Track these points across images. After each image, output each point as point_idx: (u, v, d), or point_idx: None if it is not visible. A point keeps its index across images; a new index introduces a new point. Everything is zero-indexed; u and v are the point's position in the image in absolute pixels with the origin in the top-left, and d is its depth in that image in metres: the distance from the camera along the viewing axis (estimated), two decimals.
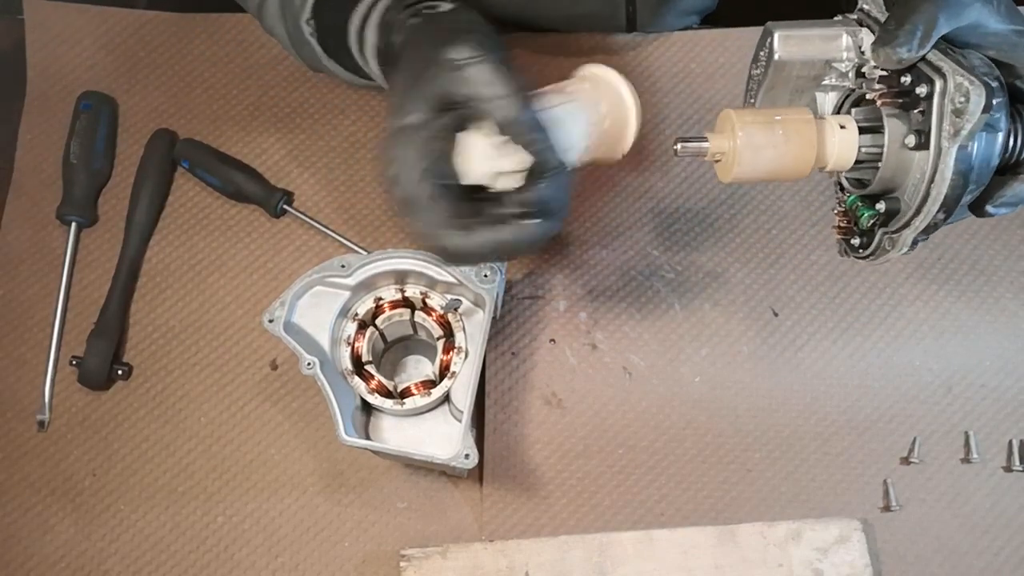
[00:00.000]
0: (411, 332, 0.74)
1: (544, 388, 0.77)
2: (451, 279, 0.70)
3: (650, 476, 0.75)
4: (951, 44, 0.56)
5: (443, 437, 0.70)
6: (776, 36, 0.61)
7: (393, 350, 0.76)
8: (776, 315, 0.80)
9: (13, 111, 0.87)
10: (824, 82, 0.63)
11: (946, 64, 0.54)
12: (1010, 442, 0.75)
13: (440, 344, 0.71)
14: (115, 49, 0.89)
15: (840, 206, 0.65)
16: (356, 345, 0.71)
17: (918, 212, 0.57)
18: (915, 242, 0.59)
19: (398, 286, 0.73)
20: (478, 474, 0.74)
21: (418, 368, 0.76)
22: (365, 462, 0.75)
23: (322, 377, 0.66)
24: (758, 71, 0.65)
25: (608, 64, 0.67)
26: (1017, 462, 0.74)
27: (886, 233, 0.60)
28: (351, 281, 0.71)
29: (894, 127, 0.58)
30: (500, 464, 0.75)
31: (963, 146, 0.54)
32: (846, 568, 0.70)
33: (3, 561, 0.72)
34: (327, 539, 0.73)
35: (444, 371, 0.70)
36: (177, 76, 0.88)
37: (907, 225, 0.58)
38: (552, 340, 0.79)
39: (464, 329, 0.71)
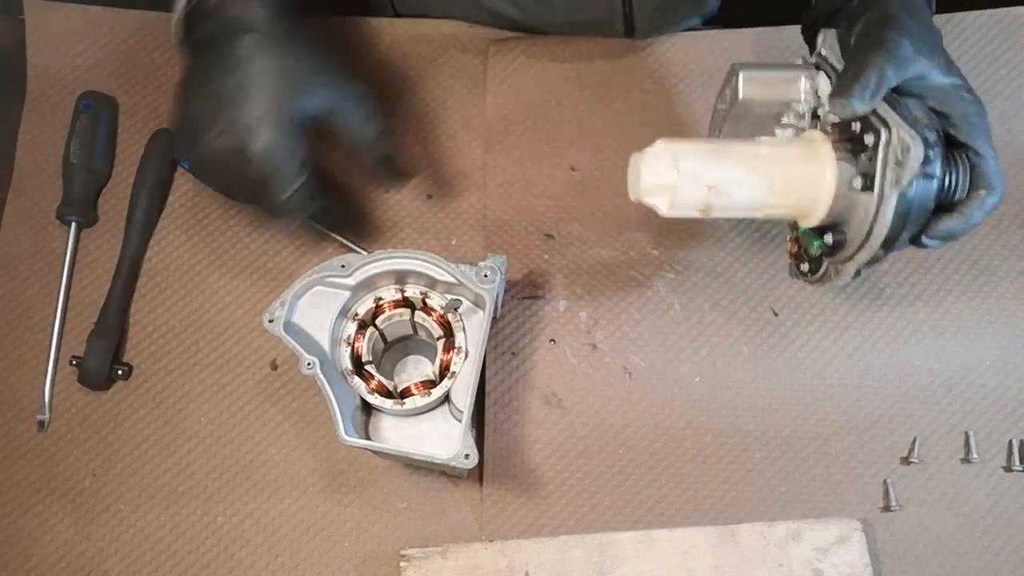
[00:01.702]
0: (411, 332, 0.74)
1: (544, 388, 0.77)
2: (451, 279, 0.70)
3: (650, 476, 0.75)
4: (897, 93, 0.63)
5: (443, 437, 0.70)
6: (741, 77, 0.67)
7: (393, 350, 0.76)
8: (776, 315, 0.80)
9: (13, 111, 0.87)
10: (783, 120, 0.68)
11: (891, 117, 0.60)
12: (1010, 442, 0.75)
13: (440, 344, 0.71)
14: (115, 49, 0.89)
15: (793, 232, 0.72)
16: (356, 345, 0.71)
17: (861, 247, 0.63)
18: (858, 272, 0.65)
19: (398, 286, 0.73)
20: (478, 474, 0.74)
21: (418, 368, 0.76)
22: (365, 462, 0.75)
23: (322, 377, 0.66)
24: (723, 106, 0.70)
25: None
26: (1017, 462, 0.74)
27: (832, 263, 0.66)
28: (351, 281, 0.71)
29: (843, 169, 0.63)
30: (500, 464, 0.75)
31: (903, 192, 0.60)
32: (846, 568, 0.70)
33: (3, 561, 0.72)
34: (327, 539, 0.73)
35: (444, 371, 0.70)
36: (177, 76, 0.88)
37: (851, 258, 0.64)
38: (552, 340, 0.79)
39: (464, 329, 0.71)
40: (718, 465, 0.75)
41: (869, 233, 0.62)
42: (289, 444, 0.76)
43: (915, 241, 0.65)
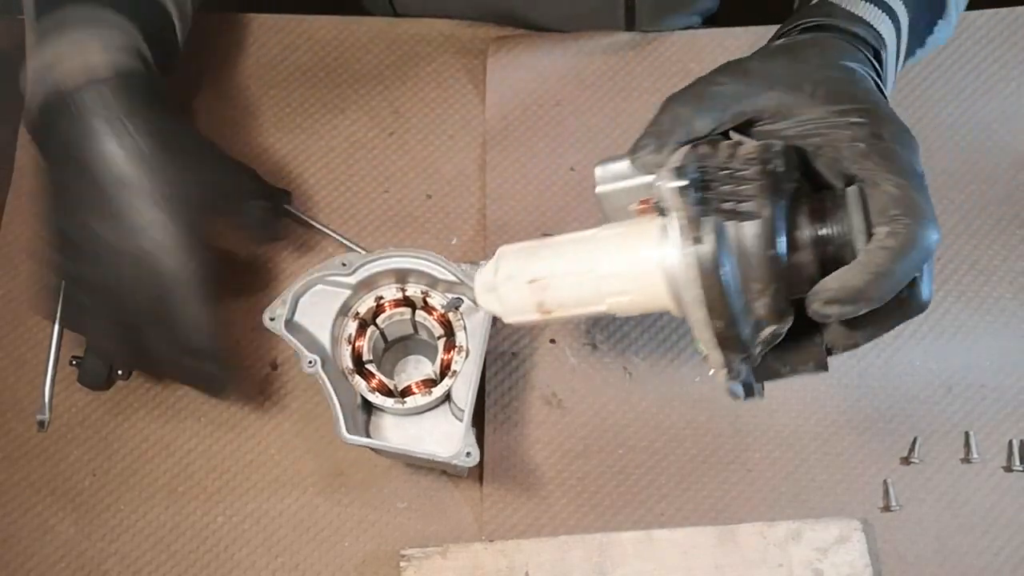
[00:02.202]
0: (412, 331, 0.75)
1: (544, 388, 0.77)
2: (452, 278, 0.70)
3: (650, 476, 0.75)
4: (756, 137, 0.54)
5: (444, 436, 0.70)
6: (596, 171, 0.58)
7: (394, 349, 0.76)
8: None
9: (13, 111, 0.87)
10: (629, 207, 0.57)
11: (672, 159, 0.52)
12: (1010, 442, 0.75)
13: (441, 343, 0.71)
14: None
15: None
16: (357, 344, 0.71)
17: (695, 326, 0.52)
18: (772, 373, 0.54)
19: (399, 285, 0.73)
20: (478, 474, 0.74)
21: (419, 367, 0.76)
22: (365, 462, 0.75)
23: (323, 376, 0.66)
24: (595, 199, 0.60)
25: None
26: (1017, 462, 0.74)
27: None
28: (352, 280, 0.71)
29: (668, 239, 0.52)
30: (500, 464, 0.75)
31: (698, 243, 0.49)
32: (846, 568, 0.70)
33: (3, 561, 0.72)
34: (327, 539, 0.73)
35: (445, 370, 0.70)
36: (177, 76, 0.88)
37: (699, 343, 0.53)
38: (552, 340, 0.79)
39: (465, 328, 0.71)
40: (718, 465, 0.75)
41: (684, 302, 0.51)
42: (289, 444, 0.76)
43: (815, 318, 0.51)
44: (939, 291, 0.80)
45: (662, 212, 0.52)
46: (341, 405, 0.66)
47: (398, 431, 0.71)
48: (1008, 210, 0.83)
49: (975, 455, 0.75)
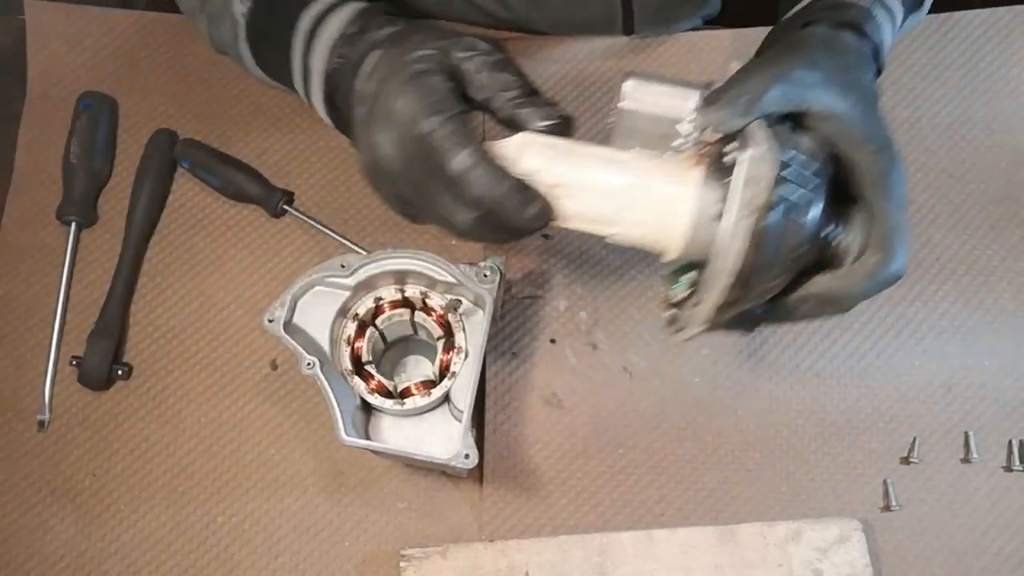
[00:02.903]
0: (411, 332, 0.74)
1: (544, 388, 0.77)
2: (451, 279, 0.70)
3: (650, 476, 0.75)
4: (802, 129, 0.56)
5: (443, 437, 0.70)
6: (625, 86, 0.58)
7: (393, 350, 0.76)
8: None
9: (13, 111, 0.87)
10: (674, 143, 0.58)
11: (760, 134, 0.53)
12: (1010, 442, 0.75)
13: (440, 344, 0.71)
14: (115, 49, 0.89)
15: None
16: (356, 345, 0.71)
17: (711, 286, 0.54)
18: (711, 327, 0.56)
19: (398, 286, 0.73)
20: (478, 474, 0.74)
21: (418, 368, 0.76)
22: (365, 462, 0.75)
23: (322, 377, 0.66)
24: (612, 119, 0.60)
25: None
26: (1017, 462, 0.74)
27: (692, 308, 0.56)
28: (351, 281, 0.71)
29: (708, 197, 0.54)
30: (500, 464, 0.75)
31: (760, 221, 0.51)
32: (846, 568, 0.70)
33: (3, 561, 0.72)
34: (327, 539, 0.73)
35: (444, 371, 0.70)
36: (177, 76, 0.88)
37: (702, 301, 0.55)
38: (552, 340, 0.79)
39: (464, 329, 0.71)
40: (718, 465, 0.75)
41: (716, 268, 0.53)
42: (289, 444, 0.76)
43: (781, 305, 0.57)
44: (938, 291, 0.80)
45: (714, 171, 0.54)
46: (340, 406, 0.66)
47: (397, 432, 0.71)
48: (1007, 210, 0.83)
49: (975, 455, 0.75)
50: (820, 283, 0.56)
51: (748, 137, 0.53)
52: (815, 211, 0.53)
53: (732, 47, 0.89)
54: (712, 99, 0.55)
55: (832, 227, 0.56)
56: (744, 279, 0.53)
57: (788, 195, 0.52)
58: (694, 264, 0.57)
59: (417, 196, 0.60)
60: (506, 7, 0.87)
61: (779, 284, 0.55)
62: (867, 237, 0.56)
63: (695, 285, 0.56)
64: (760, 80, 0.55)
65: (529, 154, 0.56)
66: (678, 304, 0.59)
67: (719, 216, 0.53)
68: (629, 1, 0.85)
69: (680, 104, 0.57)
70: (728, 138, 0.54)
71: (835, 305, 0.57)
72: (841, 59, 0.60)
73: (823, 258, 0.56)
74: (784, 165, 0.52)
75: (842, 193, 0.57)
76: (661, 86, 0.58)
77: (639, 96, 0.58)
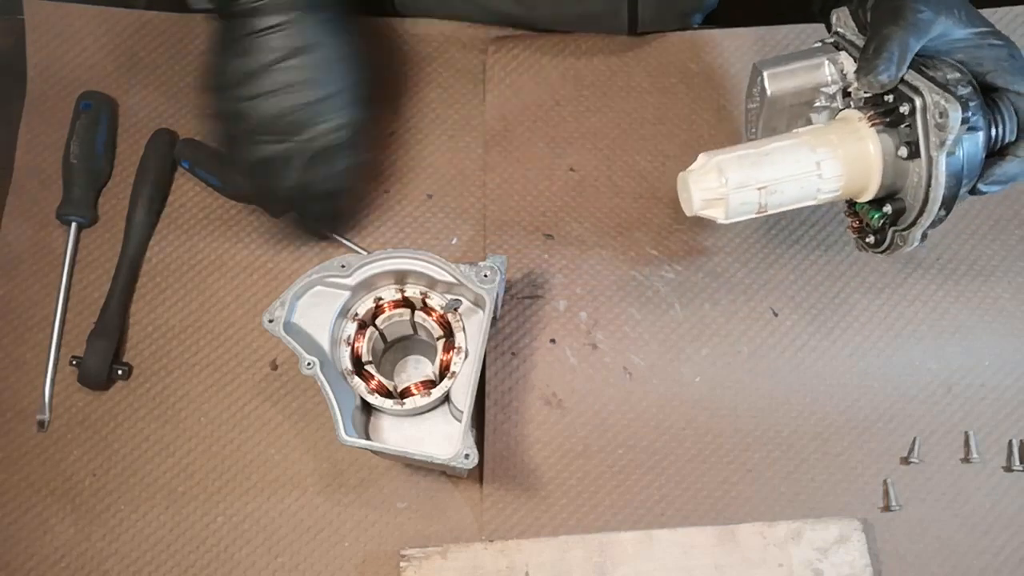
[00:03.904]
0: (411, 332, 0.75)
1: (544, 388, 0.77)
2: (451, 279, 0.70)
3: (650, 476, 0.75)
4: (922, 56, 0.63)
5: (443, 437, 0.70)
6: (765, 75, 0.68)
7: (393, 350, 0.76)
8: (776, 315, 0.80)
9: (13, 111, 0.87)
10: (816, 105, 0.69)
11: (922, 83, 0.61)
12: (1010, 442, 0.75)
13: (440, 344, 0.71)
14: (115, 49, 0.89)
15: (849, 207, 0.70)
16: (356, 345, 0.71)
17: (922, 212, 0.63)
18: (924, 235, 0.65)
19: (398, 286, 0.73)
20: (478, 474, 0.74)
21: (418, 368, 0.76)
22: (365, 462, 0.75)
23: (322, 377, 0.66)
24: (754, 105, 0.71)
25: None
26: (1017, 462, 0.74)
27: (896, 231, 0.66)
28: (351, 281, 0.71)
29: (885, 141, 0.64)
30: (500, 464, 0.75)
31: (950, 152, 0.61)
32: (846, 568, 0.70)
33: (3, 561, 0.72)
34: (327, 539, 0.73)
35: (444, 371, 0.70)
36: (177, 76, 0.88)
37: (914, 224, 0.64)
38: (552, 340, 0.79)
39: (464, 329, 0.71)
40: (718, 465, 0.75)
41: (926, 198, 0.62)
42: (289, 444, 0.76)
43: (973, 191, 0.65)
44: (938, 291, 0.80)
45: (889, 124, 0.63)
46: (340, 406, 0.66)
47: (397, 432, 0.71)
48: (1007, 210, 0.83)
49: (975, 455, 0.75)
50: (1002, 169, 0.64)
51: (910, 88, 0.62)
52: (984, 122, 0.62)
53: (734, 46, 0.89)
54: (867, 66, 0.62)
55: (994, 126, 0.63)
56: (950, 200, 0.62)
57: (970, 123, 0.61)
58: (886, 197, 0.66)
59: None
60: (509, 2, 0.87)
61: (969, 188, 0.64)
62: (1019, 118, 0.63)
63: (892, 214, 0.65)
64: (899, 38, 0.62)
65: (732, 173, 0.64)
66: (879, 230, 0.68)
67: (902, 156, 0.62)
68: None
69: (814, 73, 0.68)
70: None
71: (1014, 181, 0.65)
72: None
73: (993, 150, 0.64)
74: (960, 100, 0.59)
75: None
76: (791, 64, 0.68)
77: (777, 81, 0.68)
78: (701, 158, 0.66)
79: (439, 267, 0.70)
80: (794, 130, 0.68)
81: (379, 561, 0.72)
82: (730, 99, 0.87)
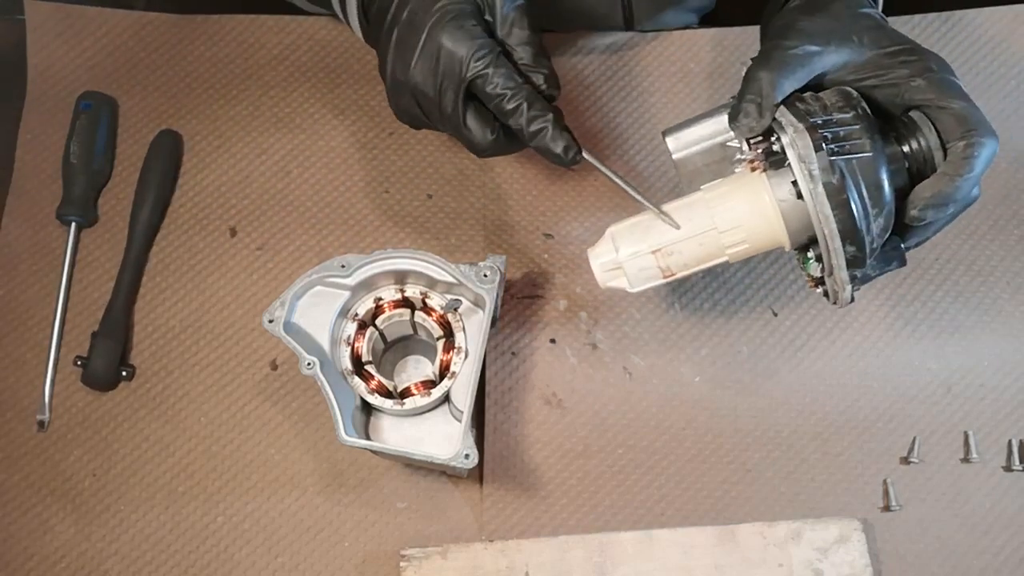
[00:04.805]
0: (411, 332, 0.75)
1: (544, 388, 0.77)
2: (451, 279, 0.70)
3: (650, 476, 0.75)
4: (813, 90, 0.62)
5: (443, 437, 0.70)
6: (667, 140, 0.67)
7: (393, 350, 0.76)
8: (776, 315, 0.80)
9: (13, 111, 0.87)
10: (735, 159, 0.66)
11: (785, 118, 0.60)
12: (1010, 442, 0.75)
13: (440, 344, 0.71)
14: (115, 49, 0.89)
15: (799, 261, 0.69)
16: (356, 345, 0.71)
17: (832, 251, 0.60)
18: (864, 278, 0.62)
19: (398, 286, 0.73)
20: (478, 474, 0.74)
21: (418, 368, 0.76)
22: (365, 462, 0.75)
23: (322, 377, 0.66)
24: (675, 171, 0.69)
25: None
26: (1017, 462, 0.74)
27: (830, 278, 0.63)
28: (351, 281, 0.71)
29: (779, 185, 0.62)
30: (500, 464, 0.75)
31: (828, 182, 0.58)
32: (846, 568, 0.70)
33: (3, 561, 0.72)
34: (327, 539, 0.73)
35: (444, 371, 0.70)
36: (177, 76, 0.88)
37: (833, 267, 0.61)
38: (552, 340, 0.79)
39: (464, 329, 0.71)
40: (718, 465, 0.75)
41: (823, 235, 0.60)
42: (289, 444, 0.76)
43: (904, 219, 0.61)
44: (937, 291, 0.80)
45: (772, 165, 0.62)
46: (340, 406, 0.66)
47: (397, 432, 0.71)
48: (1006, 210, 0.83)
49: (975, 455, 0.75)
50: (925, 188, 0.60)
51: (778, 127, 0.60)
52: (867, 143, 0.59)
53: (734, 46, 0.89)
54: (732, 113, 0.62)
55: (903, 144, 0.61)
56: (850, 232, 0.59)
57: (835, 148, 0.58)
58: (812, 240, 0.63)
59: (438, 118, 0.68)
60: None
61: (887, 217, 0.60)
62: (943, 133, 0.60)
63: (820, 261, 0.63)
64: (766, 79, 0.61)
65: (623, 242, 0.65)
66: (820, 280, 0.65)
67: (793, 197, 0.61)
68: None
69: (715, 129, 0.66)
70: (768, 133, 0.62)
71: (953, 201, 0.60)
72: (826, 13, 0.64)
73: (918, 173, 0.61)
74: (817, 127, 0.58)
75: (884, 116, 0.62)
76: (694, 125, 0.67)
77: (682, 143, 0.67)
78: (607, 231, 0.67)
79: (439, 267, 0.70)
80: (700, 187, 0.66)
81: (379, 561, 0.72)
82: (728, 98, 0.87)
